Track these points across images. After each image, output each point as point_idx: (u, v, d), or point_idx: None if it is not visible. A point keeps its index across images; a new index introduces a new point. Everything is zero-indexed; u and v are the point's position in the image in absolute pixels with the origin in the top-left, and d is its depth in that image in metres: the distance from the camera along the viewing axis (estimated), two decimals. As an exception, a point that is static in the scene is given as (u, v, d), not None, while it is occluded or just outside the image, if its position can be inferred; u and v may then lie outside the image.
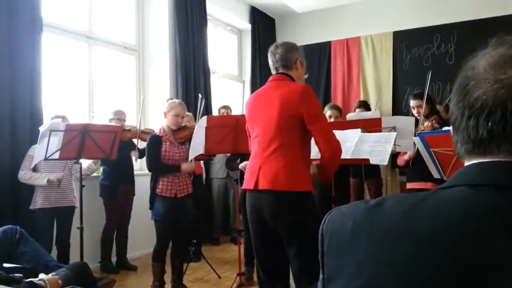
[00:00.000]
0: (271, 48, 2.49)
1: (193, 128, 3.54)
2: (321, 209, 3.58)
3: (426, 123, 3.68)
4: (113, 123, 4.17)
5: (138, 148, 4.43)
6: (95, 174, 4.35)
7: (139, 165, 5.31)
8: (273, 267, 2.44)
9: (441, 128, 3.51)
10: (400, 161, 3.93)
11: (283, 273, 2.44)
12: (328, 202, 3.49)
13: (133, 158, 4.36)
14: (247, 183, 2.39)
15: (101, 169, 4.38)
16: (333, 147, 2.32)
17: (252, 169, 2.39)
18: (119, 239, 4.51)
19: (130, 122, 4.64)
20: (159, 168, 3.44)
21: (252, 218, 2.42)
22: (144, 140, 4.37)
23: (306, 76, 2.57)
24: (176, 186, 3.45)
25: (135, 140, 4.44)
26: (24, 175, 3.59)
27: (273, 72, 2.47)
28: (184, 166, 3.44)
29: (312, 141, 2.38)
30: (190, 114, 4.57)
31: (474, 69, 0.64)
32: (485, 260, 0.54)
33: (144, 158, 4.82)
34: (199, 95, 3.85)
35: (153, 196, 3.42)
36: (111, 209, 4.35)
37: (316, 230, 2.24)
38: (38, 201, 3.63)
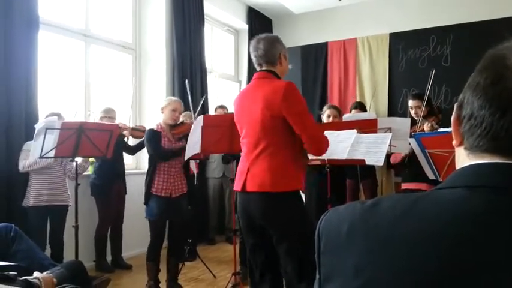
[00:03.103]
0: (253, 42, 2.42)
1: (191, 125, 3.56)
2: (317, 209, 3.60)
3: (426, 124, 3.70)
4: (103, 122, 4.15)
5: (128, 145, 4.42)
6: (89, 172, 4.34)
7: (135, 164, 5.31)
8: (265, 263, 2.47)
9: (439, 129, 3.52)
10: (394, 158, 3.93)
11: (276, 269, 2.46)
12: (324, 203, 3.50)
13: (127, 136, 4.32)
14: (236, 185, 2.43)
15: (92, 168, 4.36)
16: (317, 145, 2.30)
17: (240, 170, 2.41)
18: (113, 238, 4.51)
19: (122, 119, 4.60)
20: (167, 154, 3.44)
21: (242, 217, 2.46)
22: (135, 137, 4.38)
23: (290, 67, 2.51)
24: (171, 186, 3.46)
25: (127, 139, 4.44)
26: (28, 162, 3.55)
27: (257, 67, 2.44)
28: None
29: None
30: (189, 112, 4.56)
31: (510, 59, 0.59)
32: (479, 263, 0.53)
33: (134, 156, 4.88)
34: (203, 97, 3.91)
35: (148, 195, 3.44)
36: (103, 208, 4.34)
37: (305, 229, 2.23)
38: (31, 199, 3.61)
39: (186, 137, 3.56)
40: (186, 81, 3.94)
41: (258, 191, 2.29)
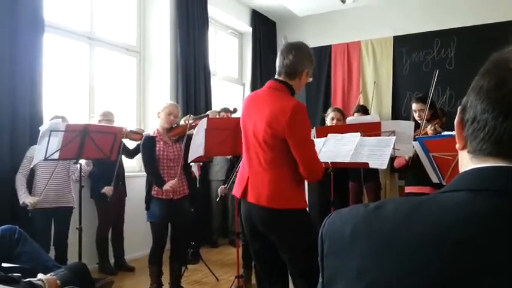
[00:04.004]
0: (285, 48, 2.31)
1: (187, 126, 3.58)
2: (320, 212, 3.60)
3: (429, 127, 3.69)
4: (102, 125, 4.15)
5: (127, 148, 4.42)
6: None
7: (138, 166, 5.32)
8: (270, 267, 2.46)
9: (443, 132, 3.51)
10: (397, 163, 3.93)
11: (282, 273, 2.45)
12: (327, 206, 3.49)
13: (108, 194, 4.23)
14: (236, 190, 2.41)
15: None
16: (312, 174, 2.25)
17: (240, 177, 2.40)
18: (115, 241, 4.51)
19: (122, 123, 4.60)
20: (152, 173, 3.47)
21: (245, 222, 2.45)
22: (133, 140, 4.39)
23: (310, 79, 2.40)
24: (172, 188, 3.46)
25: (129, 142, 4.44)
26: (17, 182, 3.60)
27: (276, 74, 2.35)
28: (166, 186, 3.40)
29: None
30: (191, 115, 4.57)
31: None
32: (481, 265, 0.53)
33: (137, 159, 4.90)
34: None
35: (149, 198, 3.45)
36: (103, 211, 4.35)
37: (307, 241, 2.21)
38: (36, 202, 3.63)
39: (182, 138, 3.58)
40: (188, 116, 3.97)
41: (255, 203, 2.28)
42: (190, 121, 3.67)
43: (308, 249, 2.08)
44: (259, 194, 2.25)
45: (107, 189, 4.22)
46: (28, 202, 3.54)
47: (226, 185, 3.75)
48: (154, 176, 3.45)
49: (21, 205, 3.55)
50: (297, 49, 2.29)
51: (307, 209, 2.49)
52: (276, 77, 2.35)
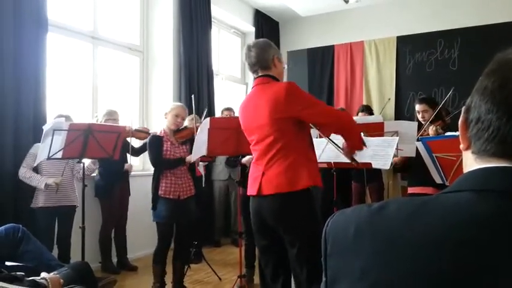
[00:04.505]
0: (245, 50, 2.49)
1: (194, 128, 3.58)
2: (323, 212, 3.60)
3: (431, 127, 3.68)
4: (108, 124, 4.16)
5: (132, 146, 4.44)
6: (94, 174, 4.35)
7: (141, 165, 5.33)
8: (276, 265, 2.48)
9: (445, 133, 3.50)
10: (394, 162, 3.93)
11: (286, 271, 2.46)
12: (330, 205, 3.49)
13: (130, 171, 4.42)
14: (251, 190, 2.44)
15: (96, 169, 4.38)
16: (338, 118, 2.37)
17: (254, 175, 2.43)
18: (118, 239, 4.52)
19: (126, 122, 4.62)
20: (164, 163, 3.47)
21: (255, 219, 2.48)
22: (139, 138, 4.41)
23: (285, 66, 2.53)
24: (179, 188, 3.47)
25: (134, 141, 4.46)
26: (25, 173, 3.59)
27: (253, 75, 2.49)
28: (189, 157, 3.47)
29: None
30: (196, 116, 4.58)
31: None
32: (481, 266, 0.54)
33: (139, 158, 4.92)
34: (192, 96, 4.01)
35: (156, 198, 3.44)
36: (107, 209, 4.36)
37: (316, 230, 2.22)
38: (40, 200, 3.63)
39: (189, 140, 3.59)
40: (192, 96, 3.99)
41: (275, 192, 2.31)
42: (197, 124, 3.68)
43: (315, 243, 2.10)
44: (278, 182, 2.29)
45: (128, 166, 4.36)
46: (52, 182, 3.57)
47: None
48: (169, 164, 3.46)
49: (44, 189, 3.56)
50: (254, 44, 2.49)
51: None
52: (255, 76, 2.49)
